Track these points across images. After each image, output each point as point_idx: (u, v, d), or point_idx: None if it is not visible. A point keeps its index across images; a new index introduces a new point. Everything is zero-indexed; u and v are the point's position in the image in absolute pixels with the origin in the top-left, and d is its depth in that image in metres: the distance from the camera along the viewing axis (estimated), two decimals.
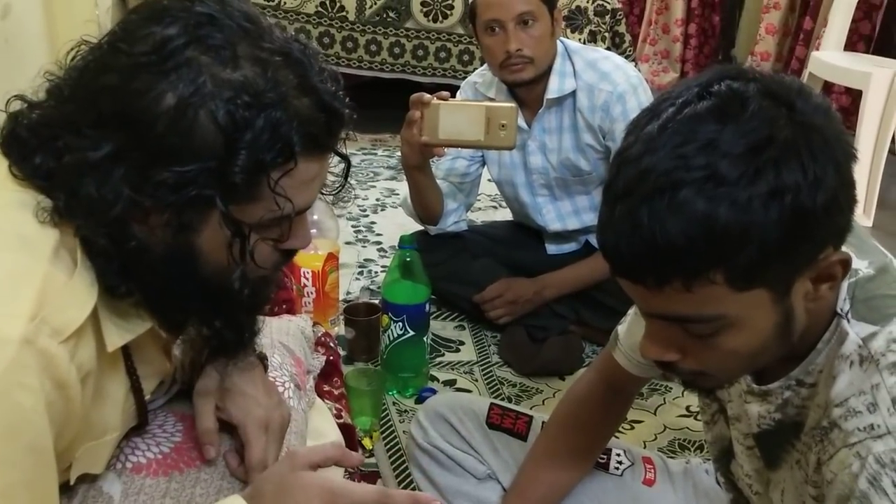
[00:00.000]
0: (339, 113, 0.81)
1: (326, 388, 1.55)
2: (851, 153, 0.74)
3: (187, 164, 0.73)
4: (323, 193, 0.88)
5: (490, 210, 3.00)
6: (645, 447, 1.64)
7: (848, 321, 0.81)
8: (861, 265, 0.82)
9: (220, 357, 0.98)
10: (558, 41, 1.97)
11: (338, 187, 0.91)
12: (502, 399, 1.83)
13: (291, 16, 3.63)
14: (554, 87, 1.96)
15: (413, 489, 1.51)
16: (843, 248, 0.77)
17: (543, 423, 1.25)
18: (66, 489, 0.86)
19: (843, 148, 0.73)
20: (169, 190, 0.73)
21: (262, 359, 1.06)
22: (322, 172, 0.83)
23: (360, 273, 2.46)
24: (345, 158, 0.88)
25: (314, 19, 3.65)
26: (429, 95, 1.72)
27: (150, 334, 0.87)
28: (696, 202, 0.69)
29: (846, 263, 0.76)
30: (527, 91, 1.98)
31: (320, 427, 1.18)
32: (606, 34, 3.56)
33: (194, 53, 0.74)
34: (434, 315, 2.13)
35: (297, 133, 0.76)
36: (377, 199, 3.08)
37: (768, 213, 0.69)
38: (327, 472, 0.94)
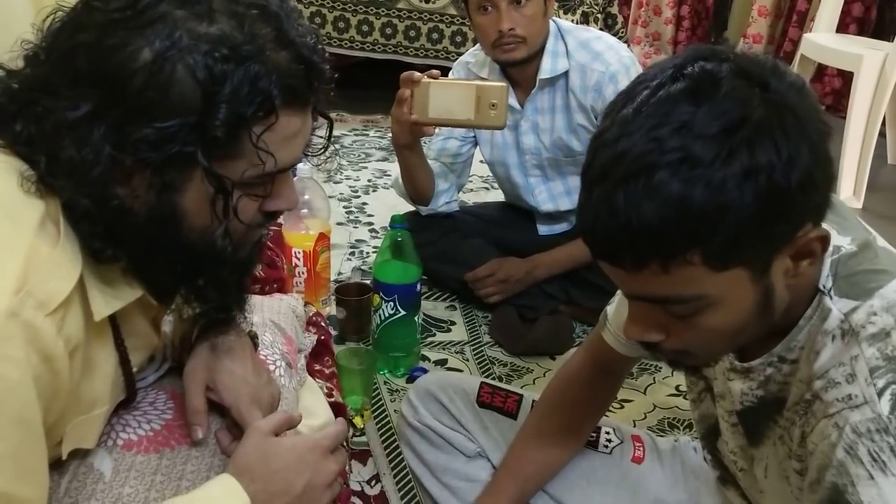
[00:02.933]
0: (318, 66, 0.81)
1: (317, 367, 1.56)
2: (826, 130, 0.75)
3: (167, 120, 0.73)
4: (307, 155, 0.88)
5: (482, 191, 3.00)
6: (634, 426, 1.65)
7: (830, 298, 0.81)
8: (843, 242, 0.83)
9: (210, 328, 0.98)
10: (551, 21, 1.97)
11: (321, 148, 0.91)
12: (493, 379, 1.84)
13: None
14: (547, 68, 1.95)
15: (404, 467, 1.52)
16: (825, 226, 0.78)
17: (533, 401, 1.26)
18: (56, 466, 0.86)
19: (816, 125, 0.74)
20: (150, 147, 0.73)
21: (253, 337, 1.06)
22: (304, 129, 0.83)
23: (352, 254, 2.46)
24: (327, 118, 0.89)
25: None
26: (419, 74, 1.72)
27: (139, 306, 0.87)
28: (671, 184, 0.70)
29: (825, 240, 0.77)
30: (519, 71, 1.97)
31: (311, 405, 1.18)
32: (599, 15, 3.55)
33: (169, 8, 0.74)
34: (425, 295, 2.14)
35: (276, 86, 0.76)
36: (369, 181, 3.08)
37: (743, 194, 0.70)
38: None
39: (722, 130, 0.70)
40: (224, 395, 0.96)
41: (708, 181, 0.69)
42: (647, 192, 0.70)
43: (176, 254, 0.81)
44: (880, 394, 0.74)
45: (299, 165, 1.95)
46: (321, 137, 0.90)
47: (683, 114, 0.71)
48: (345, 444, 1.00)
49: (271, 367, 1.10)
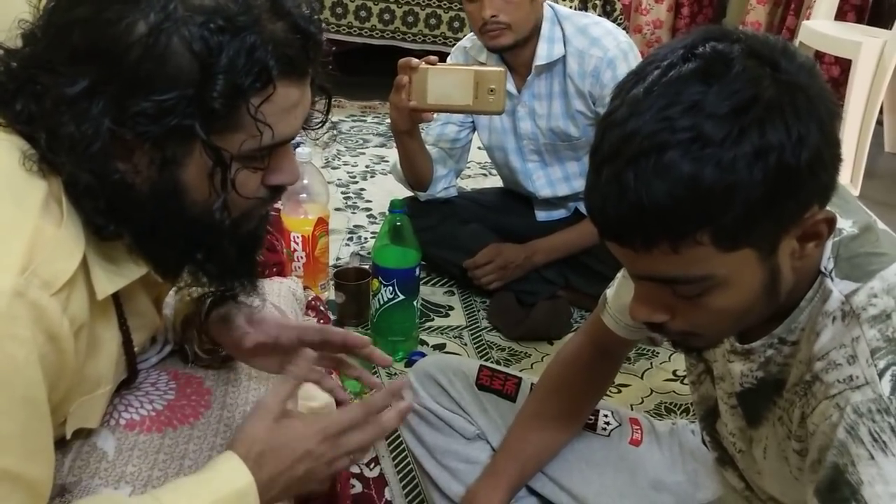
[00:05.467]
0: (314, 36, 0.80)
1: None
2: (835, 111, 0.75)
3: (165, 93, 0.73)
4: (306, 128, 0.88)
5: (480, 178, 3.00)
6: (632, 410, 1.66)
7: (832, 279, 0.82)
8: (845, 224, 0.84)
9: (218, 305, 0.98)
10: (548, 6, 1.97)
11: (319, 123, 0.91)
12: (491, 363, 1.84)
13: None
14: (542, 54, 1.96)
15: (402, 450, 1.53)
16: (828, 209, 0.78)
17: (532, 384, 1.27)
18: (60, 445, 0.87)
19: (826, 106, 0.74)
20: (149, 120, 0.73)
21: None
22: (303, 101, 0.82)
23: (350, 239, 2.46)
24: (326, 91, 0.89)
25: None
26: (417, 60, 1.72)
27: (142, 285, 0.87)
28: (682, 164, 0.70)
29: (831, 222, 0.77)
30: (514, 56, 1.98)
31: (311, 388, 1.18)
32: (597, 2, 3.54)
33: None
34: (424, 280, 2.14)
35: (272, 56, 0.76)
36: (366, 166, 3.07)
37: (753, 173, 0.70)
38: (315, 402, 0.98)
39: (733, 110, 0.70)
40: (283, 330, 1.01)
41: (718, 160, 0.69)
42: (658, 172, 0.70)
43: (178, 229, 0.81)
44: (881, 375, 0.74)
45: (298, 150, 1.96)
46: (320, 112, 0.90)
47: (694, 94, 0.71)
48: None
49: None
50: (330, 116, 0.92)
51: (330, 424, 0.87)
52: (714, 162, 0.69)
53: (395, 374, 1.82)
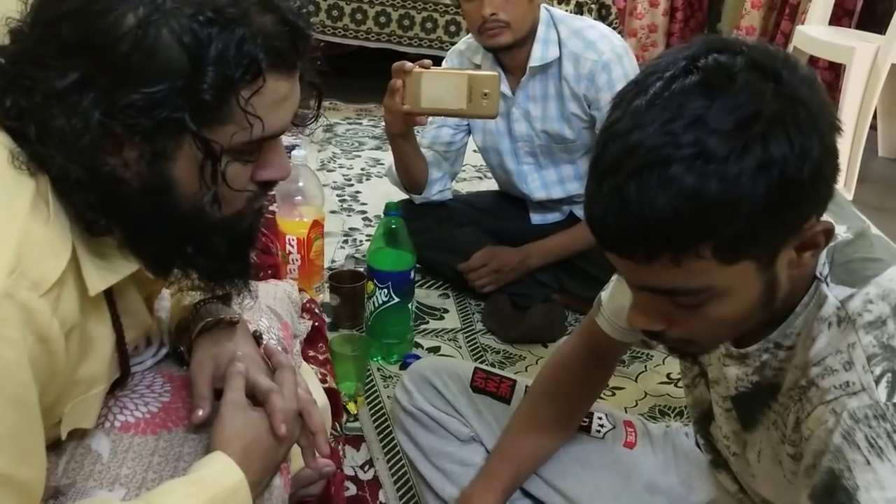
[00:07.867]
0: (303, 30, 0.81)
1: (311, 353, 1.56)
2: (835, 124, 0.75)
3: (155, 85, 0.73)
4: (296, 125, 0.88)
5: (475, 181, 3.01)
6: (626, 413, 1.66)
7: (827, 285, 0.82)
8: (840, 230, 0.84)
9: (211, 326, 0.98)
10: (544, 9, 1.97)
11: (311, 118, 0.91)
12: (486, 366, 1.85)
13: None
14: (537, 56, 1.96)
15: (397, 452, 1.53)
16: (824, 217, 0.78)
17: (527, 387, 1.27)
18: (54, 447, 0.86)
19: (827, 119, 0.74)
20: (139, 113, 0.73)
21: (258, 337, 1.06)
22: (293, 94, 0.83)
23: (345, 242, 2.47)
24: (316, 88, 0.89)
25: None
26: (410, 64, 1.72)
27: (134, 283, 0.87)
28: (686, 178, 0.70)
29: (829, 232, 0.78)
30: (510, 57, 1.98)
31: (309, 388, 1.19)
32: (593, 6, 3.56)
33: None
34: (419, 283, 2.14)
35: (262, 49, 0.76)
36: (362, 169, 3.08)
37: (756, 187, 0.70)
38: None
39: (736, 125, 0.70)
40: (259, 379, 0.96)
41: (722, 175, 0.69)
42: (661, 185, 0.70)
43: (168, 223, 0.81)
44: (877, 381, 0.75)
45: (293, 152, 1.96)
46: (310, 110, 0.90)
47: (698, 108, 0.71)
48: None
49: None
50: (322, 112, 0.93)
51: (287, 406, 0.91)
52: (718, 177, 0.69)
53: (390, 376, 1.82)
